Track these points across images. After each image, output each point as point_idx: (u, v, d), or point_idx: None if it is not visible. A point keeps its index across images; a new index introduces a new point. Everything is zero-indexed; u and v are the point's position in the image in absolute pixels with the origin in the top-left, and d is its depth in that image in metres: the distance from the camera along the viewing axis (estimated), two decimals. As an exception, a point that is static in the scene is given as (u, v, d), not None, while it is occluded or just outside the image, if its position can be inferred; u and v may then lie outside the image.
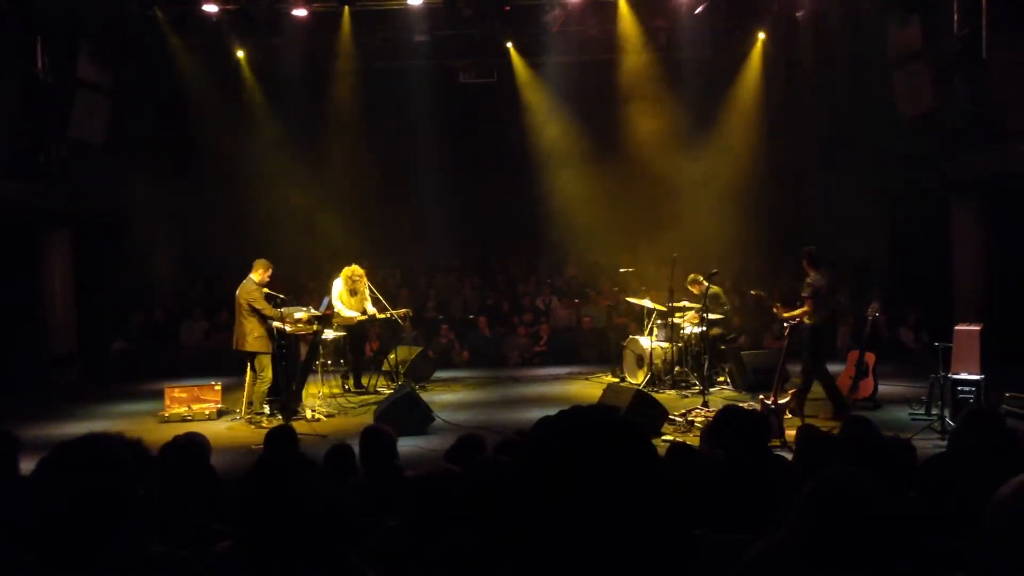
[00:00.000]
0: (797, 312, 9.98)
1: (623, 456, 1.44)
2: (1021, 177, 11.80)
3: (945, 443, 7.93)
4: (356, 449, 5.26)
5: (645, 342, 12.40)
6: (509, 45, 16.28)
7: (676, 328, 12.38)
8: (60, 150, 13.56)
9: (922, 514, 3.79)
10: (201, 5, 13.95)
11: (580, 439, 1.46)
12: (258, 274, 10.71)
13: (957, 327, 9.94)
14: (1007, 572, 1.73)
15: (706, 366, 11.86)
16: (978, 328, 9.72)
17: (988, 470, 3.63)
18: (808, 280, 10.03)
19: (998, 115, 12.02)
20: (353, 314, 12.16)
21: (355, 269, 12.22)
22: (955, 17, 12.49)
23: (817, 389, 10.43)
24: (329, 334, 11.64)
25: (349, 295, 12.23)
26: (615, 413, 1.53)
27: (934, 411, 9.57)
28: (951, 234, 13.69)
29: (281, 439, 5.61)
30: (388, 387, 12.61)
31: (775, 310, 10.41)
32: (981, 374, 9.36)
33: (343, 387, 12.41)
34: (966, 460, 4.10)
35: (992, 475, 2.47)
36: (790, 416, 9.48)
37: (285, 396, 10.73)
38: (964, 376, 9.42)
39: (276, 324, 10.61)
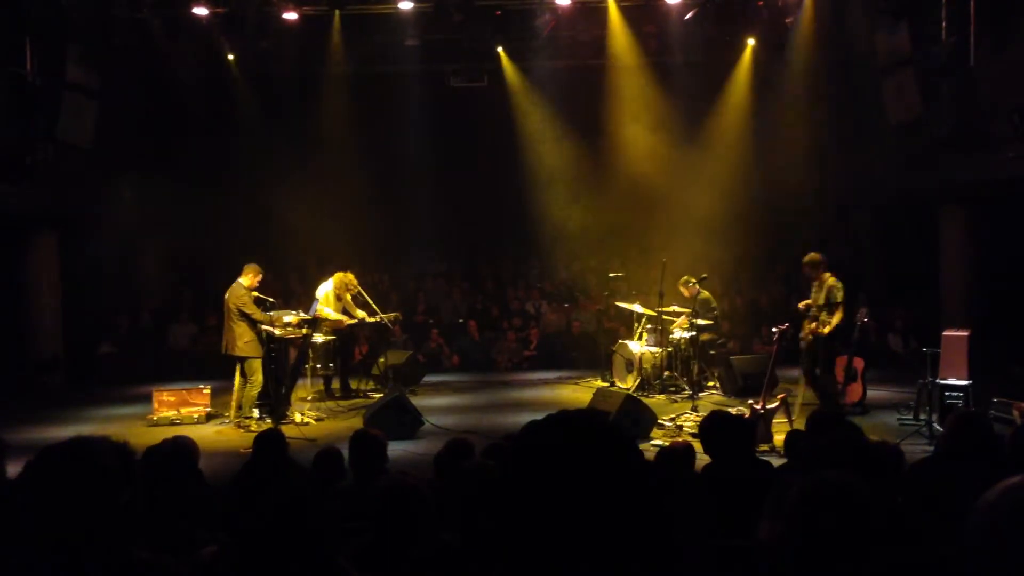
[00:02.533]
0: (837, 319, 9.92)
1: (609, 461, 1.44)
2: (1009, 183, 11.86)
3: (932, 448, 7.98)
4: (345, 453, 5.25)
5: (635, 347, 12.42)
6: (500, 49, 16.29)
7: (666, 333, 12.41)
8: (47, 152, 13.49)
9: (909, 518, 3.80)
10: (191, 7, 13.90)
11: (567, 444, 1.46)
12: (247, 278, 10.68)
13: (945, 332, 9.98)
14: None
15: (695, 371, 11.87)
16: (966, 334, 9.76)
17: (975, 474, 3.65)
18: (832, 284, 10.02)
19: (986, 122, 12.07)
20: (340, 317, 12.13)
21: (349, 278, 12.20)
22: (943, 24, 12.55)
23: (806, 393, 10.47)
24: (318, 338, 11.62)
25: (335, 299, 12.19)
26: (602, 418, 1.53)
27: (922, 416, 9.62)
28: (939, 240, 13.75)
29: (270, 443, 5.59)
30: (377, 391, 12.59)
31: (821, 324, 10.04)
32: (969, 379, 9.40)
33: (326, 391, 12.37)
34: (953, 464, 4.12)
35: (979, 479, 2.48)
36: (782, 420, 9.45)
37: (274, 400, 10.70)
38: (952, 381, 9.46)
39: (265, 328, 10.59)
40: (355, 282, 12.25)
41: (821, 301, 10.06)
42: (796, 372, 12.71)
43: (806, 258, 10.29)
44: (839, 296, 9.94)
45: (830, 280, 10.05)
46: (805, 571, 2.31)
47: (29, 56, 13.18)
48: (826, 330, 9.96)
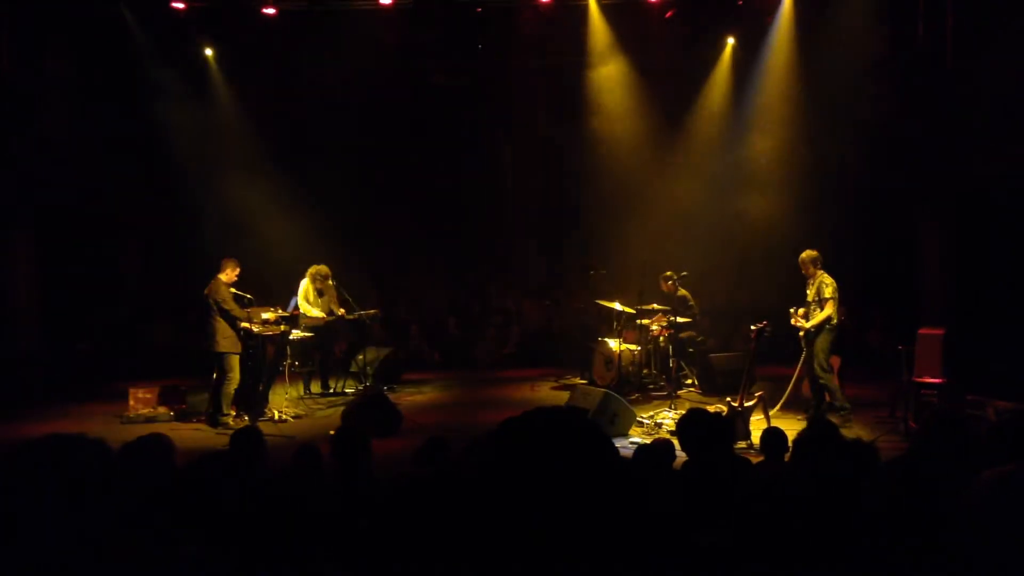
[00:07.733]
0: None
1: (585, 457, 1.45)
2: (985, 183, 11.98)
3: (907, 445, 8.05)
4: (323, 451, 5.24)
5: (614, 344, 12.46)
6: (480, 48, 16.24)
7: (645, 330, 12.45)
8: (24, 146, 13.38)
9: (883, 514, 3.84)
10: (169, 2, 13.81)
11: (543, 440, 1.47)
12: (226, 274, 10.63)
13: (921, 331, 10.07)
14: (977, 569, 1.75)
15: (674, 369, 11.94)
16: (941, 332, 9.85)
17: (949, 471, 3.70)
18: (827, 282, 10.14)
19: (963, 123, 12.19)
20: (320, 314, 12.10)
21: (321, 268, 12.16)
22: (921, 25, 12.65)
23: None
24: (297, 335, 11.58)
25: (316, 295, 12.16)
26: (577, 414, 1.54)
27: (897, 413, 9.70)
28: (917, 239, 13.86)
29: (247, 440, 5.57)
30: (356, 388, 12.56)
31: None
32: (944, 378, 9.49)
33: (305, 390, 12.33)
34: (927, 462, 4.16)
35: (952, 477, 2.52)
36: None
37: (252, 397, 10.67)
38: (927, 380, 9.55)
39: (243, 325, 10.55)
40: (328, 272, 12.20)
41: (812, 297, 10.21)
42: (775, 370, 12.82)
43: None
44: (827, 292, 10.08)
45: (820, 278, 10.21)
46: (755, 567, 2.33)
47: (7, 49, 13.06)
48: (808, 324, 10.12)
